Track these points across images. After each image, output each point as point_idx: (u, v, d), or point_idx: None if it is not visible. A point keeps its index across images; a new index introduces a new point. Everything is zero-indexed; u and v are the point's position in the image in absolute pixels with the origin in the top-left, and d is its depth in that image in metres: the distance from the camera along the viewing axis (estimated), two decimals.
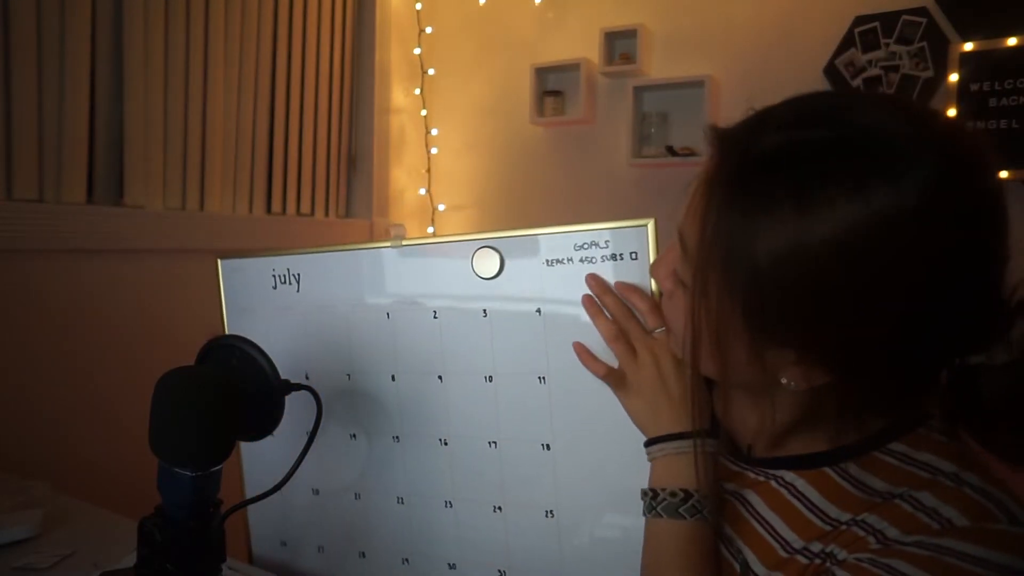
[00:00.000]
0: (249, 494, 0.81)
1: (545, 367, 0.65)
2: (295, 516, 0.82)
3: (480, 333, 0.67)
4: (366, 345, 0.74)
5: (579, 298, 0.63)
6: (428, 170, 2.39)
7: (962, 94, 1.59)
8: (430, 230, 2.37)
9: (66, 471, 1.35)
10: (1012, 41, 1.54)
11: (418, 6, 2.35)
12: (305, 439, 0.68)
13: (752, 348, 0.52)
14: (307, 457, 0.72)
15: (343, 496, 0.78)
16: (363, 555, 0.78)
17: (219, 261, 0.84)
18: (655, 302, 0.61)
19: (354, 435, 0.77)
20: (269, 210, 1.94)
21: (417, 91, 2.37)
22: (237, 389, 0.60)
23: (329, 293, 0.76)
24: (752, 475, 0.63)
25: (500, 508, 0.69)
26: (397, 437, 0.73)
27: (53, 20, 1.39)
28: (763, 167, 0.48)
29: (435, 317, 0.69)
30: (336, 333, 0.75)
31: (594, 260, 0.62)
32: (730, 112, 2.24)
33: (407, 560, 0.75)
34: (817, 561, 0.57)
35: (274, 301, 0.80)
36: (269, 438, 0.73)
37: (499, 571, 0.70)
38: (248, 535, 0.87)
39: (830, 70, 1.75)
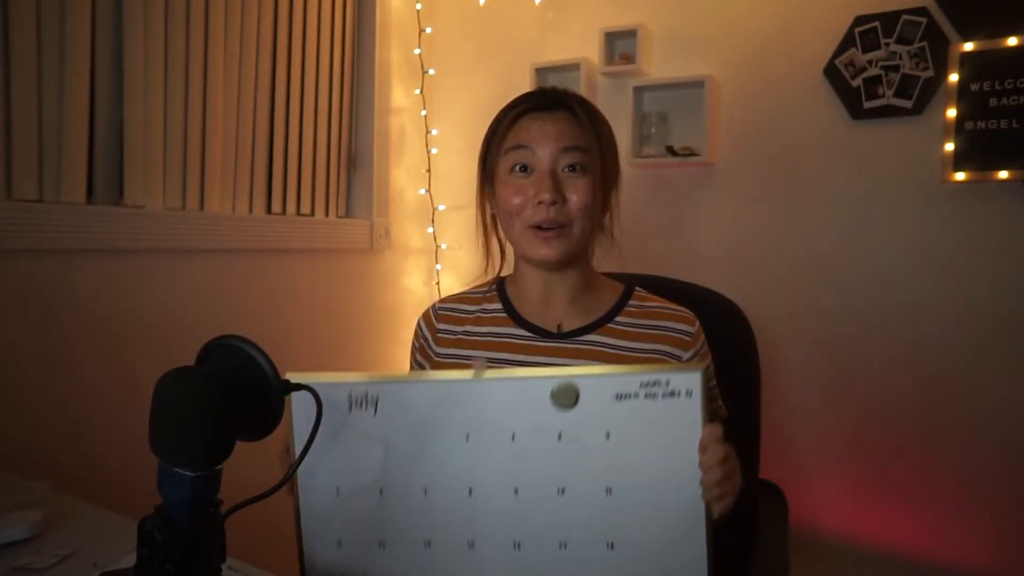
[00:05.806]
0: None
1: (613, 480, 0.75)
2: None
3: (555, 453, 0.76)
4: (442, 462, 0.78)
5: (640, 426, 0.75)
6: (428, 170, 2.39)
7: (962, 94, 1.59)
8: (430, 230, 2.38)
9: (66, 471, 1.35)
10: (1012, 41, 1.54)
11: (418, 6, 2.35)
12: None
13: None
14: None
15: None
16: None
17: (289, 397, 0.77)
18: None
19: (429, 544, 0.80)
20: (269, 210, 1.94)
21: (417, 91, 2.37)
22: (237, 389, 0.60)
23: (408, 418, 0.79)
24: (566, 345, 0.96)
25: None
26: (472, 543, 0.78)
27: (53, 20, 1.40)
28: None
29: (513, 440, 0.77)
30: (411, 451, 0.79)
31: (656, 396, 0.74)
32: (730, 112, 2.21)
33: None
34: None
35: (350, 424, 0.80)
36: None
37: None
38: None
39: (830, 70, 1.75)
